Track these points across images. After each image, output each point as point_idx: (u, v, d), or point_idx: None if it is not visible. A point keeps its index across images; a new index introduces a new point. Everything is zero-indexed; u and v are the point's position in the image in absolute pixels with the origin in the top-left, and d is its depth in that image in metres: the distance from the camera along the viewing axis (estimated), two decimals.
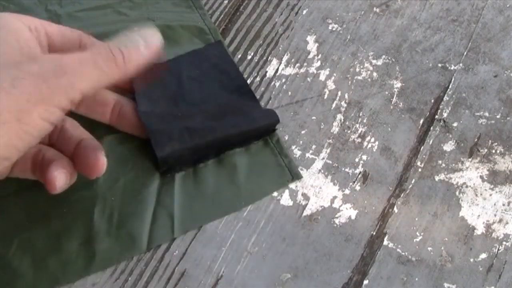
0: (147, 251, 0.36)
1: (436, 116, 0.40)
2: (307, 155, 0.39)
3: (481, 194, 0.38)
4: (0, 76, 0.27)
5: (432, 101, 0.41)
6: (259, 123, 0.38)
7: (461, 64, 0.42)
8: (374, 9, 0.45)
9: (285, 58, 0.42)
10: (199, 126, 0.37)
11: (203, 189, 0.37)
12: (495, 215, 0.37)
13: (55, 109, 0.29)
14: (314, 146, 0.39)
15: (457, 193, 0.38)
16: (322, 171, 0.38)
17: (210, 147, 0.37)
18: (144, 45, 0.32)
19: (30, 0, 0.43)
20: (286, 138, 0.39)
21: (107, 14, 0.43)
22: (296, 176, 0.38)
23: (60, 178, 0.33)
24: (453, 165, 0.39)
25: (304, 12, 0.44)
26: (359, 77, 0.42)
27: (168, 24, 0.42)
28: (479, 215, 0.37)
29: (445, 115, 0.40)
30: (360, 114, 0.40)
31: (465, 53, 0.43)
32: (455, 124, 0.40)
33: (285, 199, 0.38)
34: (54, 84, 0.28)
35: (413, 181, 0.38)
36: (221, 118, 0.38)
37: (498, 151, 0.39)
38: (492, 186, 0.38)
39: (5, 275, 0.34)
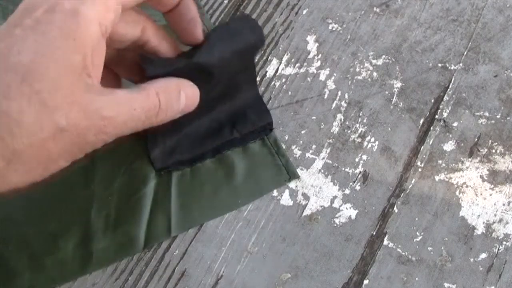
0: (147, 251, 0.36)
1: (436, 116, 0.40)
2: (307, 155, 0.39)
3: (481, 194, 0.38)
4: (44, 121, 0.26)
5: (432, 101, 0.41)
6: (253, 125, 0.38)
7: (461, 64, 0.42)
8: (374, 9, 0.45)
9: (285, 58, 0.42)
10: (194, 135, 0.37)
11: (200, 188, 0.37)
12: (495, 215, 0.37)
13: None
14: (314, 146, 0.39)
15: (457, 193, 0.38)
16: (322, 171, 0.38)
17: (206, 152, 0.38)
18: (184, 97, 0.32)
19: None
20: (286, 138, 0.39)
21: None
22: (293, 176, 0.38)
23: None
24: (453, 165, 0.39)
25: (304, 12, 0.44)
26: (359, 77, 0.42)
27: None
28: (479, 215, 0.37)
29: (445, 115, 0.41)
30: (360, 114, 0.40)
31: (465, 53, 0.43)
32: (455, 124, 0.40)
33: (285, 199, 0.38)
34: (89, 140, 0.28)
35: (413, 181, 0.38)
36: (217, 106, 0.38)
37: (498, 151, 0.39)
38: (492, 186, 0.38)
39: (2, 275, 0.34)
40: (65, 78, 0.26)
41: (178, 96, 0.32)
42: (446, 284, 0.35)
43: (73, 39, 0.26)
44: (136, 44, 0.32)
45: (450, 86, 0.42)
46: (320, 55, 0.43)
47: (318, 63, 0.42)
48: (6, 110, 0.25)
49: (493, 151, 0.39)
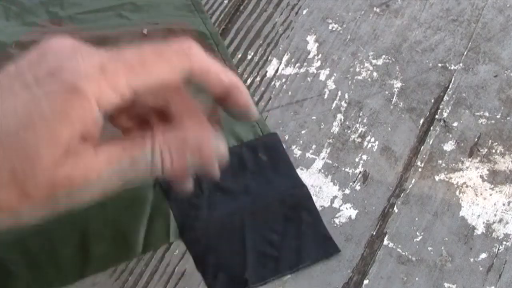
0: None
1: (436, 116, 0.40)
2: (307, 155, 0.39)
3: (481, 194, 0.38)
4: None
5: (432, 101, 0.41)
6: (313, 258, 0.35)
7: (461, 64, 0.42)
8: (374, 9, 0.45)
9: (285, 58, 0.42)
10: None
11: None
12: (495, 215, 0.37)
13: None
14: (314, 146, 0.39)
15: (457, 193, 0.38)
16: (322, 171, 0.38)
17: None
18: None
19: (32, 1, 0.43)
20: (286, 138, 0.39)
21: (108, 17, 0.43)
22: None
23: None
24: (453, 165, 0.39)
25: (304, 12, 0.44)
26: (359, 77, 0.42)
27: (170, 27, 0.42)
28: (479, 215, 0.37)
29: (445, 115, 0.40)
30: (360, 114, 0.40)
31: (465, 53, 0.43)
32: (455, 124, 0.40)
33: None
34: None
35: (413, 181, 0.38)
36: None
37: (498, 151, 0.39)
38: (492, 186, 0.38)
39: (0, 278, 0.34)
40: (45, 151, 0.25)
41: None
42: (446, 284, 0.35)
43: (65, 113, 0.25)
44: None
45: (450, 86, 0.42)
46: (320, 55, 0.43)
47: (318, 63, 0.42)
48: None
49: (493, 151, 0.39)
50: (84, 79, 0.25)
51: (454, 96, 0.41)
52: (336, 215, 0.37)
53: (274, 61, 0.42)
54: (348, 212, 0.37)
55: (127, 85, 0.26)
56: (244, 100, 0.29)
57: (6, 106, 0.25)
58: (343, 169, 0.39)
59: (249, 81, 0.41)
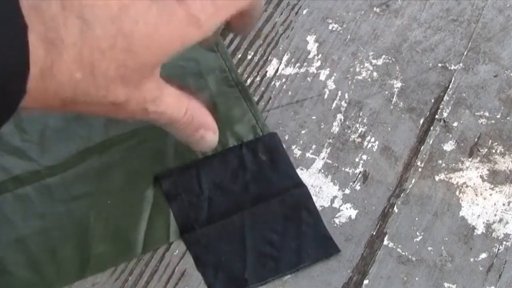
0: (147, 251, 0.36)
1: (436, 116, 0.40)
2: (307, 155, 0.39)
3: (481, 194, 0.38)
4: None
5: (432, 101, 0.41)
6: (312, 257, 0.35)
7: (461, 64, 0.42)
8: (374, 9, 0.45)
9: (285, 58, 0.42)
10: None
11: None
12: (495, 215, 0.37)
13: None
14: (314, 146, 0.39)
15: (457, 193, 0.38)
16: (322, 171, 0.38)
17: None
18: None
19: None
20: (286, 138, 0.39)
21: None
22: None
23: None
24: (453, 165, 0.39)
25: (304, 12, 0.44)
26: (359, 77, 0.42)
27: None
28: (479, 215, 0.37)
29: (445, 115, 0.40)
30: (360, 114, 0.40)
31: (465, 53, 0.43)
32: (455, 124, 0.40)
33: None
34: None
35: (413, 181, 0.38)
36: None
37: (498, 151, 0.39)
38: (492, 186, 0.38)
39: (1, 278, 0.34)
40: (150, 64, 0.28)
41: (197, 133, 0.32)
42: (446, 284, 0.35)
43: (179, 40, 0.28)
44: None
45: (450, 86, 0.42)
46: (320, 55, 0.43)
47: (318, 63, 0.42)
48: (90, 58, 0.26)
49: (493, 151, 0.39)
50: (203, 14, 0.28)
51: (454, 96, 0.41)
52: (336, 215, 0.37)
53: (274, 61, 0.42)
54: (348, 212, 0.37)
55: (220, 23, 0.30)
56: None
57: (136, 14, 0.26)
58: (343, 169, 0.39)
59: (249, 81, 0.41)
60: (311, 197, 0.37)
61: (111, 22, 0.26)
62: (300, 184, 0.37)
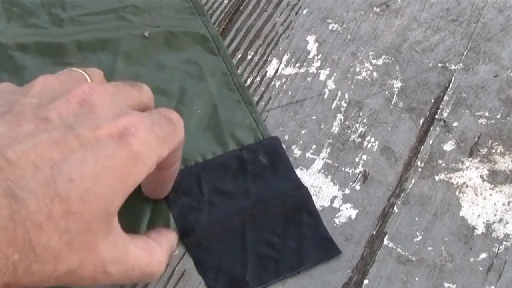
0: None
1: (436, 116, 0.40)
2: (307, 155, 0.39)
3: (481, 194, 0.38)
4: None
5: (432, 101, 0.41)
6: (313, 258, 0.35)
7: (461, 64, 0.42)
8: (374, 9, 0.45)
9: (285, 58, 0.42)
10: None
11: None
12: (495, 215, 0.37)
13: None
14: (314, 146, 0.39)
15: (457, 193, 0.38)
16: (322, 171, 0.38)
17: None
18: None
19: (33, 1, 0.43)
20: (286, 138, 0.39)
21: (110, 19, 0.42)
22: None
23: None
24: (453, 165, 0.39)
25: (304, 12, 0.44)
26: (359, 77, 0.42)
27: (171, 30, 0.42)
28: (479, 215, 0.37)
29: (445, 115, 0.41)
30: (360, 114, 0.40)
31: (465, 53, 0.43)
32: (455, 124, 0.40)
33: None
34: None
35: (413, 181, 0.38)
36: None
37: (498, 151, 0.39)
38: (492, 186, 0.38)
39: None
40: (98, 220, 0.25)
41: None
42: (446, 284, 0.35)
43: (124, 183, 0.26)
44: None
45: (450, 86, 0.42)
46: (320, 55, 0.43)
47: (318, 63, 0.42)
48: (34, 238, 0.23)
49: (493, 151, 0.39)
50: (147, 147, 0.27)
51: (454, 96, 0.41)
52: (336, 215, 0.37)
53: (274, 61, 0.42)
54: (348, 212, 0.37)
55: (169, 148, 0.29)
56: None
57: (69, 169, 0.24)
58: (343, 169, 0.39)
59: (249, 81, 0.41)
60: (311, 198, 0.37)
61: (45, 188, 0.23)
62: (301, 186, 0.37)
